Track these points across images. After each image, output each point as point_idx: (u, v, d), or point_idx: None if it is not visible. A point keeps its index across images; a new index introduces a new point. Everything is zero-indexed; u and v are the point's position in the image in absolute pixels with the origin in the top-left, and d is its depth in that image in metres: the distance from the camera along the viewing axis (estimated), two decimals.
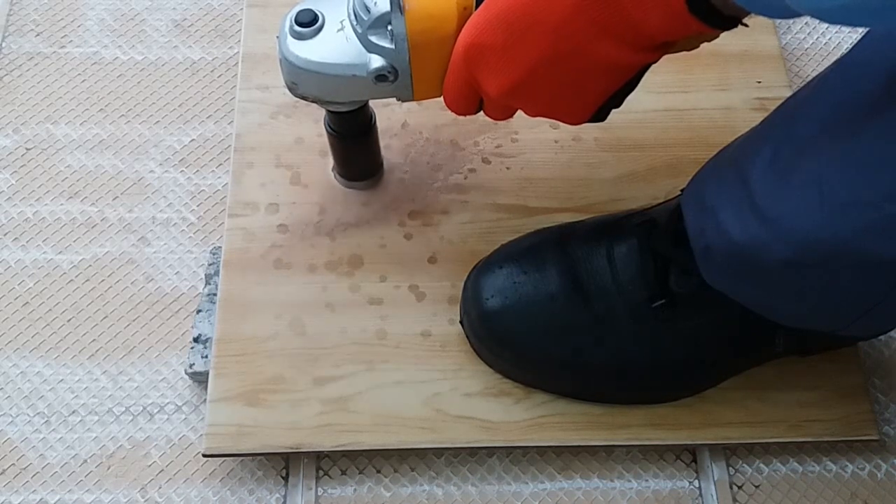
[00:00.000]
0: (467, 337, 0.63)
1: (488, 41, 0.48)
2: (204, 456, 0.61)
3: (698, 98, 0.74)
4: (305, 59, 0.53)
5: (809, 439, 0.63)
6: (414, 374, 0.63)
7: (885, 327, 0.62)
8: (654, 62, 0.48)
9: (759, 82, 0.75)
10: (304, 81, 0.55)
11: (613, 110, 0.54)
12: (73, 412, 0.66)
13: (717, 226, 0.52)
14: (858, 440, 0.63)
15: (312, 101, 0.57)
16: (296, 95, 0.56)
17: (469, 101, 0.54)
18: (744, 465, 0.64)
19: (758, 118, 0.56)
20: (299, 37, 0.53)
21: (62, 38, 0.82)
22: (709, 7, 0.39)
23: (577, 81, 0.49)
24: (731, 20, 0.42)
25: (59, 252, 0.72)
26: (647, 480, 0.64)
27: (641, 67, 0.49)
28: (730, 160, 0.54)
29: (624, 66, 0.48)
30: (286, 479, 0.64)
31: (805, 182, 0.47)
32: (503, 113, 0.55)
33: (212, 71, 0.81)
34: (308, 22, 0.53)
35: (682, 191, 0.59)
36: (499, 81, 0.50)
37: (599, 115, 0.53)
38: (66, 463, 0.64)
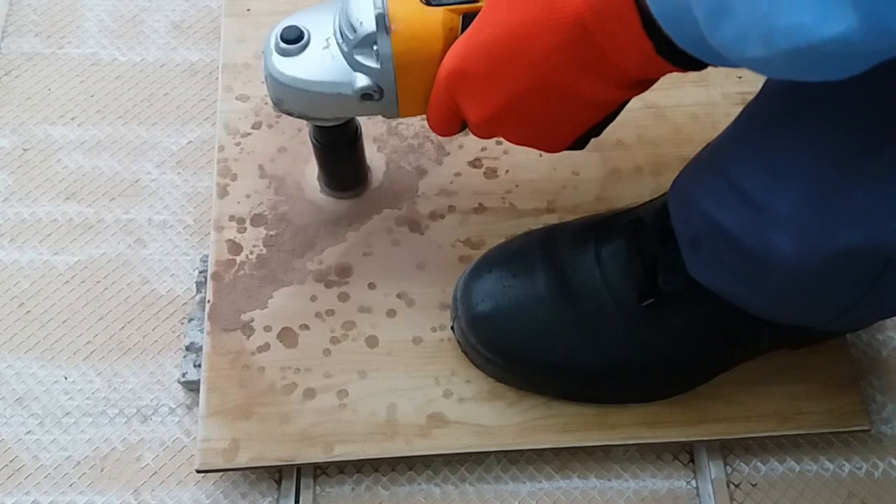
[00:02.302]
0: (458, 342, 0.62)
1: (470, 69, 0.47)
2: (198, 472, 0.59)
3: (679, 94, 0.72)
4: (291, 77, 0.51)
5: (802, 432, 0.61)
6: (406, 381, 0.61)
7: (867, 321, 0.61)
8: (637, 95, 0.47)
9: (740, 77, 0.73)
10: (289, 98, 0.53)
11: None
12: (67, 413, 0.64)
13: (702, 214, 0.50)
14: (851, 431, 0.62)
15: (298, 117, 0.55)
16: (281, 111, 0.54)
17: (452, 124, 0.53)
18: (741, 463, 0.63)
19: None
20: (285, 53, 0.51)
21: (61, 38, 0.80)
22: (678, 52, 0.40)
23: (557, 114, 0.47)
24: (702, 62, 0.42)
25: (56, 253, 0.70)
26: (644, 480, 0.63)
27: (622, 102, 0.48)
28: (712, 150, 0.53)
29: (604, 102, 0.46)
30: (279, 482, 0.62)
31: (784, 165, 0.46)
32: (485, 135, 0.54)
33: (210, 73, 0.78)
34: (294, 39, 0.51)
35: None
36: (480, 108, 0.49)
37: (578, 144, 0.52)
38: (59, 464, 0.63)
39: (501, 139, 0.71)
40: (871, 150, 0.41)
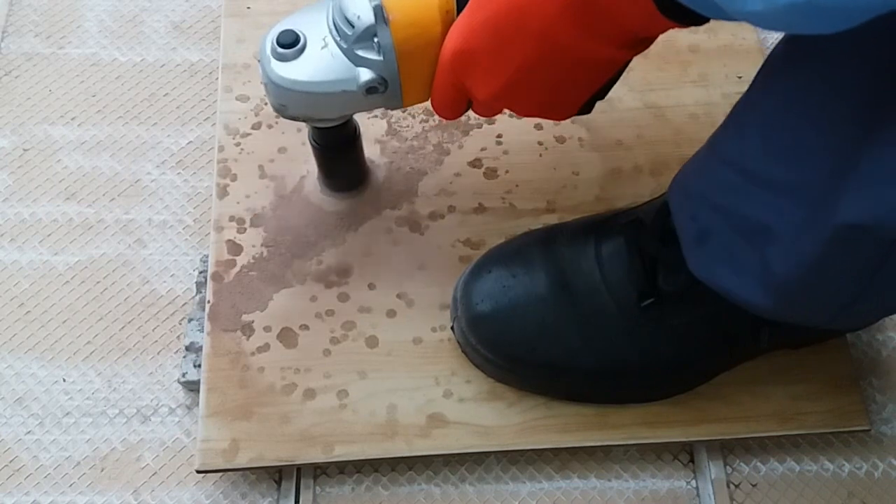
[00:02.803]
0: (458, 342, 0.62)
1: (475, 47, 0.47)
2: (198, 472, 0.58)
3: (679, 94, 0.72)
4: (293, 80, 0.51)
5: (802, 432, 0.61)
6: (406, 382, 0.61)
7: (868, 319, 0.60)
8: (639, 54, 0.47)
9: (740, 77, 0.73)
10: (293, 102, 0.52)
11: (598, 105, 0.53)
12: (67, 414, 0.64)
13: (710, 205, 0.50)
14: (851, 431, 0.62)
15: (301, 121, 0.55)
16: (285, 117, 0.53)
17: (457, 105, 0.53)
18: (741, 463, 0.63)
19: None
20: (283, 58, 0.51)
21: (61, 38, 0.80)
22: (678, 7, 0.40)
23: (564, 80, 0.48)
24: (702, 17, 0.43)
25: (56, 253, 0.70)
26: (644, 480, 0.62)
27: (626, 61, 0.48)
28: (711, 142, 0.52)
29: (609, 63, 0.47)
30: (279, 482, 0.61)
31: (783, 135, 0.46)
32: (491, 112, 0.54)
33: (210, 73, 0.78)
34: (290, 43, 0.50)
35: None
36: (487, 86, 0.49)
37: (585, 109, 0.52)
38: (59, 465, 0.62)
39: (502, 139, 0.71)
40: (870, 114, 0.41)
